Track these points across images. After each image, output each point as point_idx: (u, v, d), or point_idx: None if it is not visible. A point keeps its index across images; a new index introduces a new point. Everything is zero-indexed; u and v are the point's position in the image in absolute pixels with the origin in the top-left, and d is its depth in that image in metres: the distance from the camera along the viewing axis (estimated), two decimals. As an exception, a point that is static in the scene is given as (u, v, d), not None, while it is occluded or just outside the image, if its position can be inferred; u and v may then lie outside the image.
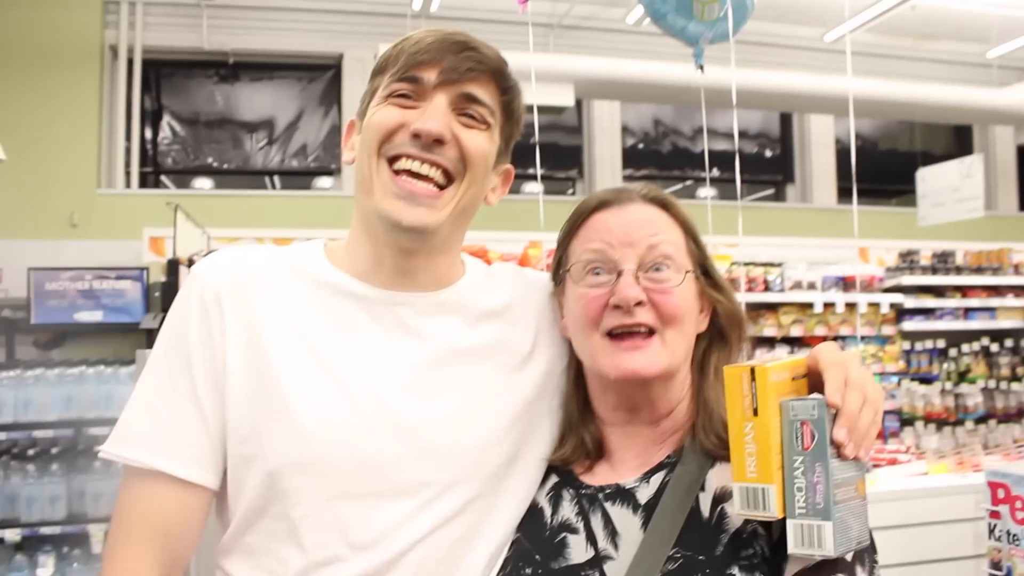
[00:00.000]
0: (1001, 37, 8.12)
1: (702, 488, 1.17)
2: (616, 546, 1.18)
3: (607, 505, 1.22)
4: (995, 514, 1.90)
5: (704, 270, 1.30)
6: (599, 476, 1.27)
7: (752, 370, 0.99)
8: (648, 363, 1.20)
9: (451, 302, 1.29)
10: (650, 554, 1.12)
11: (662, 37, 4.43)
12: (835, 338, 6.10)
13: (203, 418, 1.17)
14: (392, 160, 1.19)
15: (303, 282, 1.25)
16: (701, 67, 3.72)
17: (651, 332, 1.21)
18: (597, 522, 1.21)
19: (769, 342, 6.02)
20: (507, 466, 1.25)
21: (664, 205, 1.29)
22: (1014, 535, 1.82)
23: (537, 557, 1.22)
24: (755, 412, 0.99)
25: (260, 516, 1.17)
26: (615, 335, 1.21)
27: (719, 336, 1.31)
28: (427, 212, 1.19)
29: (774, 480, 0.98)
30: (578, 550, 1.20)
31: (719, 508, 1.14)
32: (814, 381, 1.06)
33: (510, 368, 1.29)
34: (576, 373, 1.33)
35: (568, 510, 1.25)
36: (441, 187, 1.20)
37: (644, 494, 1.20)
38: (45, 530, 4.20)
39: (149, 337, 4.51)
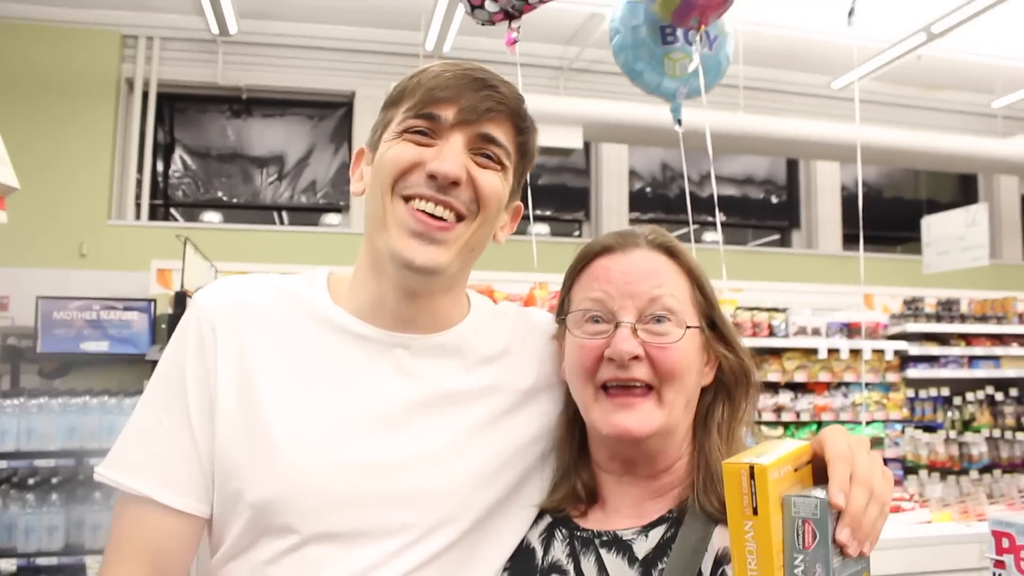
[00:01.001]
0: (1006, 88, 8.21)
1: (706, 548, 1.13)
2: None
3: (602, 552, 1.19)
4: (1000, 564, 1.88)
5: (711, 322, 1.24)
6: (593, 521, 1.24)
7: (752, 468, 0.94)
8: (641, 422, 1.16)
9: (449, 345, 1.27)
10: None
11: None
12: (839, 384, 6.09)
13: (195, 447, 1.17)
14: (406, 199, 1.18)
15: (301, 315, 1.24)
16: (679, 121, 3.78)
17: (648, 388, 1.17)
18: (589, 566, 1.18)
19: (773, 387, 6.01)
20: (495, 510, 1.23)
21: (671, 252, 1.24)
22: (1018, 585, 1.80)
23: None
24: (755, 511, 0.94)
25: (243, 550, 1.17)
26: (610, 388, 1.18)
27: (725, 391, 1.26)
28: (438, 251, 1.17)
29: None
30: None
31: (720, 570, 1.11)
32: (820, 467, 1.02)
33: (504, 411, 1.27)
34: (572, 417, 1.29)
35: (559, 551, 1.22)
36: (454, 221, 1.19)
37: (642, 548, 1.17)
38: (41, 560, 4.16)
39: (155, 369, 4.53)
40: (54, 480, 4.29)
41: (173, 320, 4.62)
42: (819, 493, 0.96)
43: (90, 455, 4.25)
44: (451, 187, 1.17)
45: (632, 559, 1.16)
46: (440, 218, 1.17)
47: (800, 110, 7.89)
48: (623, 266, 1.21)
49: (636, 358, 1.15)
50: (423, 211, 1.16)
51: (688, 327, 1.18)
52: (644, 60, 3.80)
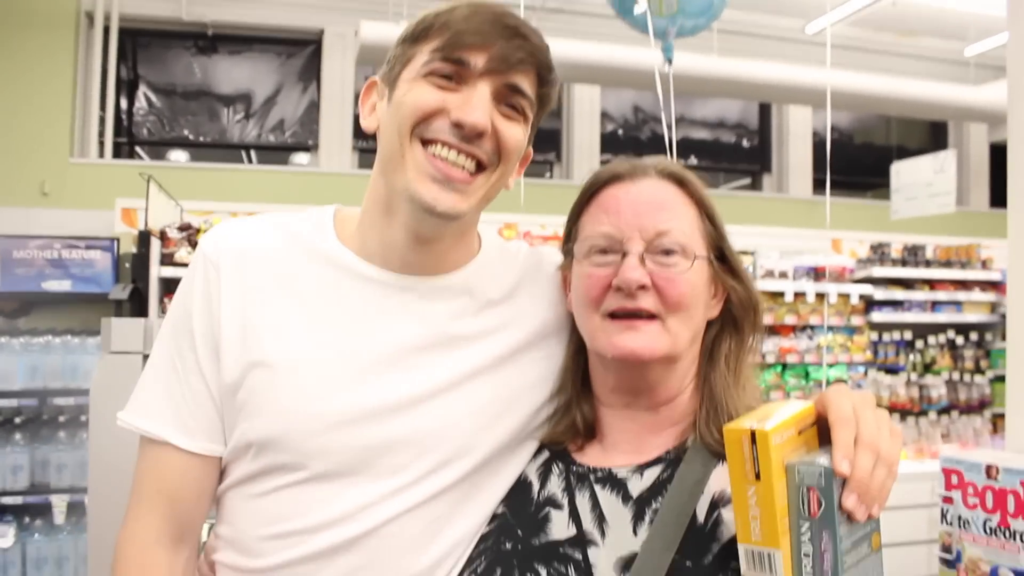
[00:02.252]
0: (978, 35, 8.20)
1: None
2: (603, 532, 1.14)
3: (597, 488, 1.18)
4: (948, 499, 1.93)
5: (720, 253, 1.23)
6: (590, 456, 1.24)
7: (753, 434, 0.93)
8: (647, 344, 1.15)
9: (456, 287, 1.26)
10: (652, 559, 1.07)
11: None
12: (804, 327, 6.17)
13: (208, 390, 1.18)
14: (425, 142, 1.15)
15: (306, 256, 1.23)
16: (669, 60, 3.74)
17: (653, 317, 1.16)
18: (584, 502, 1.18)
19: (740, 330, 6.06)
20: (497, 452, 1.24)
21: (680, 181, 1.22)
22: (964, 520, 1.86)
23: (519, 532, 1.20)
24: (757, 476, 0.93)
25: (242, 483, 1.19)
26: (616, 316, 1.17)
27: (732, 323, 1.25)
28: (460, 198, 1.15)
29: (780, 545, 0.93)
30: (560, 526, 1.18)
31: (716, 513, 1.10)
32: (825, 428, 1.00)
33: (510, 353, 1.27)
34: (576, 349, 1.29)
35: (555, 485, 1.22)
36: (474, 172, 1.17)
37: (636, 487, 1.16)
38: (6, 500, 4.17)
39: (118, 307, 4.47)
40: (17, 420, 4.28)
41: (137, 259, 4.56)
42: (823, 460, 0.94)
43: (53, 395, 4.23)
44: (476, 137, 1.14)
45: (626, 497, 1.15)
46: (460, 166, 1.15)
47: (773, 54, 7.84)
48: (632, 195, 1.19)
49: (643, 287, 1.14)
50: (443, 158, 1.14)
51: (696, 257, 1.17)
52: None
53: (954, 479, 1.90)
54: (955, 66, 8.81)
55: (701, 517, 1.09)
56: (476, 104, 1.13)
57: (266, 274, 1.21)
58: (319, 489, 1.14)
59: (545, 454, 1.28)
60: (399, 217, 1.19)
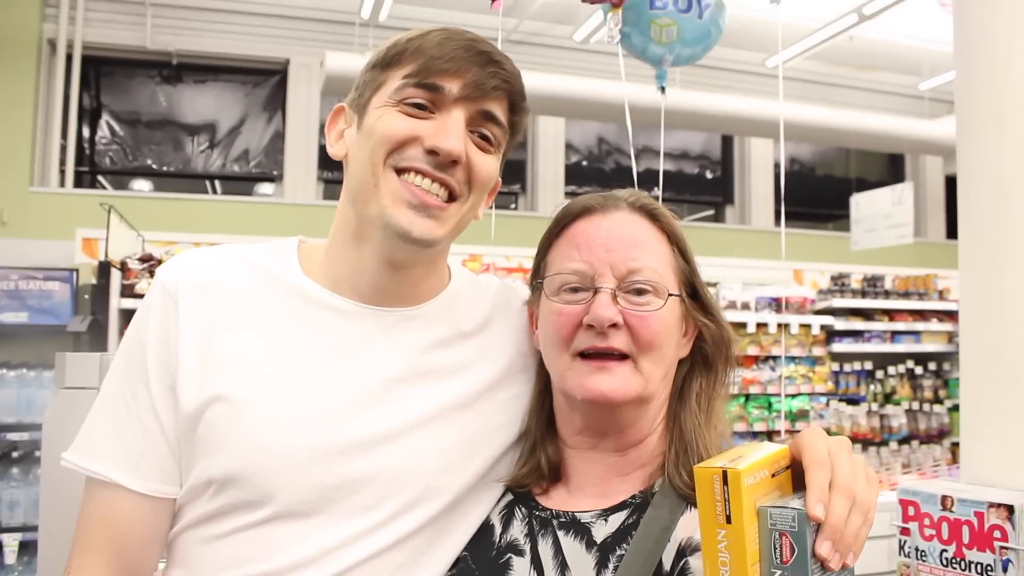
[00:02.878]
0: (933, 70, 8.43)
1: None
2: None
3: (560, 534, 1.14)
4: (905, 531, 1.95)
5: (692, 289, 1.20)
6: (554, 500, 1.19)
7: (724, 473, 0.88)
8: (618, 386, 1.10)
9: (425, 318, 1.22)
10: None
11: (608, 56, 4.50)
12: (767, 358, 6.23)
13: (160, 427, 1.13)
14: (398, 171, 1.12)
15: (270, 288, 1.19)
16: (663, 89, 3.78)
17: (624, 357, 1.12)
18: (546, 548, 1.13)
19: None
20: (467, 494, 1.19)
21: (653, 215, 1.19)
22: (921, 551, 1.87)
23: None
24: (728, 520, 0.88)
25: (200, 524, 1.13)
26: (587, 356, 1.12)
27: (703, 361, 1.20)
28: (435, 225, 1.13)
29: None
30: (521, 573, 1.13)
31: (683, 561, 1.05)
32: (799, 471, 0.96)
33: (481, 390, 1.22)
34: (542, 388, 1.24)
35: (517, 530, 1.17)
36: (446, 201, 1.14)
37: (601, 532, 1.11)
38: (-43, 538, 4.05)
39: (76, 340, 4.40)
40: (-30, 455, 4.17)
41: (96, 290, 4.50)
42: (796, 503, 0.91)
43: (7, 430, 4.13)
44: (450, 165, 1.12)
45: (590, 543, 1.11)
46: (434, 193, 1.12)
47: (735, 87, 7.98)
48: (603, 230, 1.15)
49: (615, 326, 1.10)
50: (416, 185, 1.11)
51: (669, 296, 1.13)
52: (631, 23, 3.76)
53: (911, 510, 1.92)
54: (911, 100, 9.03)
55: (667, 565, 1.04)
56: (451, 131, 1.11)
57: (228, 306, 1.16)
58: (281, 530, 1.09)
59: (508, 497, 1.23)
60: (371, 245, 1.16)
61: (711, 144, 9.15)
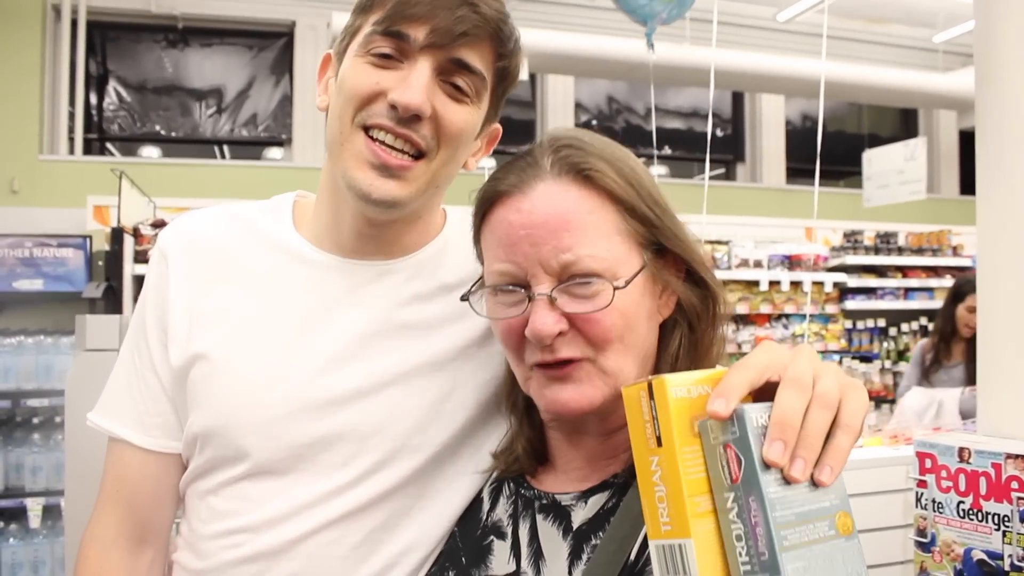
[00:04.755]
0: (947, 22, 8.28)
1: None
2: (538, 570, 1.01)
3: (539, 517, 1.05)
4: (922, 483, 1.96)
5: (658, 247, 1.00)
6: (541, 478, 1.10)
7: (650, 386, 0.71)
8: (581, 395, 0.96)
9: (405, 271, 1.18)
10: None
11: (615, 12, 4.44)
12: (780, 316, 6.22)
13: (161, 384, 1.16)
14: (366, 128, 1.07)
15: (253, 242, 1.19)
16: (652, 45, 3.75)
17: (586, 358, 0.97)
18: (524, 533, 1.05)
19: (715, 319, 6.12)
20: (449, 452, 1.15)
21: (586, 177, 0.97)
22: (939, 503, 1.88)
23: (463, 559, 1.10)
24: (659, 442, 0.71)
25: (196, 478, 1.16)
26: (543, 365, 0.97)
27: (686, 321, 1.03)
28: (398, 185, 1.06)
29: (690, 531, 0.69)
30: (501, 559, 1.06)
31: (647, 552, 0.87)
32: (757, 398, 0.76)
33: (462, 345, 1.17)
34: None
35: (502, 510, 1.10)
36: (415, 157, 1.08)
37: (579, 516, 1.01)
38: (-20, 503, 4.12)
39: (91, 306, 4.42)
40: (-9, 421, 4.22)
41: (110, 257, 4.51)
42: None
43: (27, 396, 4.16)
44: (412, 120, 1.04)
45: (567, 529, 1.01)
46: (400, 150, 1.06)
47: (746, 42, 7.88)
48: (524, 217, 0.96)
49: (561, 334, 0.94)
50: (380, 141, 1.06)
51: (620, 280, 0.94)
52: None
53: (928, 463, 1.93)
54: (924, 53, 8.90)
55: (633, 554, 0.92)
56: (413, 83, 1.03)
57: (213, 263, 1.17)
58: (258, 485, 1.10)
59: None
60: (345, 201, 1.13)
61: (721, 102, 9.06)
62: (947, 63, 8.63)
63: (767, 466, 0.68)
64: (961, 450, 1.85)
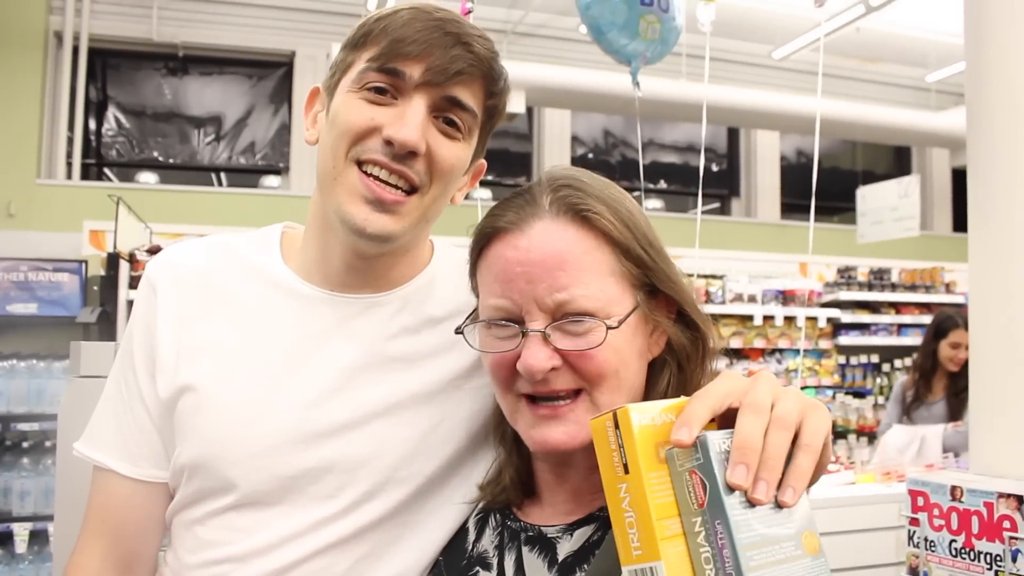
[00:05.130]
0: (939, 62, 8.40)
1: None
2: None
3: (525, 550, 1.05)
4: (914, 521, 1.96)
5: (650, 288, 1.02)
6: (528, 510, 1.11)
7: (615, 416, 0.75)
8: (570, 434, 0.97)
9: (392, 305, 1.19)
10: None
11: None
12: (773, 351, 6.23)
13: (148, 415, 1.16)
14: (360, 163, 1.08)
15: (243, 276, 1.19)
16: (637, 84, 3.80)
17: (578, 392, 0.98)
18: (510, 564, 1.06)
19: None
20: (435, 483, 1.16)
21: (583, 217, 0.99)
22: (931, 541, 1.88)
23: None
24: (626, 469, 0.74)
25: (182, 508, 1.16)
26: (533, 399, 0.99)
27: (675, 360, 1.04)
28: (392, 220, 1.08)
29: (660, 554, 0.71)
30: None
31: None
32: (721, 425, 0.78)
33: (449, 377, 1.18)
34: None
35: (488, 540, 1.11)
36: (407, 192, 1.09)
37: (564, 548, 1.02)
38: (-33, 527, 4.08)
39: (85, 331, 4.42)
40: (-20, 445, 4.19)
41: (105, 282, 4.52)
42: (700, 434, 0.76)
43: (17, 420, 4.15)
44: (407, 156, 1.06)
45: (552, 561, 1.02)
46: (394, 185, 1.08)
47: (741, 79, 7.96)
48: (522, 255, 0.98)
49: (554, 369, 0.96)
50: (375, 177, 1.07)
51: (612, 319, 0.96)
52: (617, 19, 3.75)
53: (920, 500, 1.93)
54: (917, 92, 9.01)
55: None
56: (409, 120, 1.05)
57: (202, 295, 1.17)
58: (246, 516, 1.11)
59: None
60: (335, 235, 1.14)
61: (717, 137, 9.13)
62: (940, 102, 8.73)
63: (731, 489, 0.71)
64: (953, 488, 1.85)
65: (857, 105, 7.70)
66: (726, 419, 0.76)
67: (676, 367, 1.04)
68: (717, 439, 0.73)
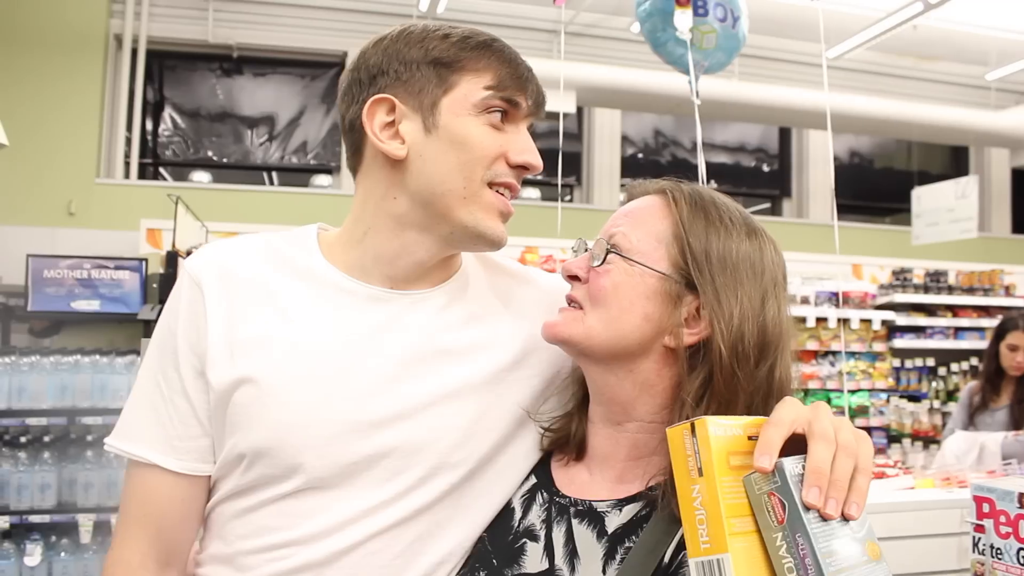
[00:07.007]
0: (1000, 60, 8.20)
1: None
2: (573, 568, 1.12)
3: (574, 522, 1.16)
4: (980, 528, 1.92)
5: (687, 278, 1.12)
6: (575, 486, 1.21)
7: (692, 425, 0.87)
8: (561, 325, 1.17)
9: (440, 299, 1.27)
10: None
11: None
12: (826, 353, 6.15)
13: (193, 409, 1.19)
14: (490, 184, 1.21)
15: (289, 273, 1.24)
16: (697, 93, 3.80)
17: (581, 307, 1.18)
18: (559, 535, 1.16)
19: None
20: (484, 466, 1.23)
21: (671, 198, 1.18)
22: (997, 548, 1.84)
23: (494, 561, 1.19)
24: (700, 472, 0.86)
25: (232, 497, 1.20)
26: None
27: (708, 362, 1.09)
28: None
29: (727, 547, 0.83)
30: (534, 559, 1.16)
31: (682, 554, 1.02)
32: (785, 446, 0.90)
33: (495, 369, 1.26)
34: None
35: (535, 515, 1.20)
36: None
37: (613, 522, 1.12)
38: (34, 518, 4.16)
39: (146, 328, 4.51)
40: (46, 438, 4.29)
41: (164, 279, 4.61)
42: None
43: (81, 414, 4.25)
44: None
45: (601, 533, 1.12)
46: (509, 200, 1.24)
47: (794, 78, 7.86)
48: (621, 208, 1.24)
49: (575, 277, 1.19)
50: (501, 194, 1.21)
51: (626, 259, 1.14)
52: (672, 30, 3.78)
53: (985, 507, 1.89)
54: (977, 90, 8.81)
55: (667, 557, 1.04)
56: (531, 146, 1.21)
57: (250, 291, 1.21)
58: (307, 501, 1.16)
59: (531, 480, 1.26)
60: (429, 237, 1.22)
61: (768, 137, 9.03)
62: (1000, 100, 8.53)
63: (807, 508, 0.85)
64: (1021, 495, 1.82)
65: (914, 104, 7.56)
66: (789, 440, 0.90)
67: (708, 369, 1.10)
68: (790, 464, 0.87)
